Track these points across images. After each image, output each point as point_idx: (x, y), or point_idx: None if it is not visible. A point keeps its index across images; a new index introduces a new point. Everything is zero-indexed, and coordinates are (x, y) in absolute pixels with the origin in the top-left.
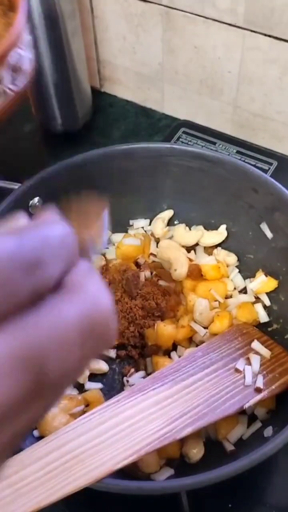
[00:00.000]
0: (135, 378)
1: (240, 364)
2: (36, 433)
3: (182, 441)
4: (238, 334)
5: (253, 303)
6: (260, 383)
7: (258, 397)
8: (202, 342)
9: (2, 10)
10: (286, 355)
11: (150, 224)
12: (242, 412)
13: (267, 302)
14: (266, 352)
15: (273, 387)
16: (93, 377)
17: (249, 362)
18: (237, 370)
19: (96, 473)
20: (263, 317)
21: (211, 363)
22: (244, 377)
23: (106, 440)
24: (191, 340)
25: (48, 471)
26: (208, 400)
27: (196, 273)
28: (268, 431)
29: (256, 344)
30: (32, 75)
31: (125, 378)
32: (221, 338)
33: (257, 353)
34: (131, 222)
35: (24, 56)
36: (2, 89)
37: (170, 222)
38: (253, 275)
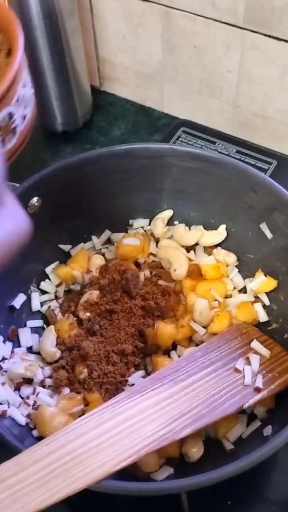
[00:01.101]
0: (135, 377)
1: (240, 364)
2: (35, 433)
3: (182, 440)
4: (237, 333)
5: (253, 302)
6: (259, 382)
7: (258, 396)
8: (201, 341)
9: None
10: (285, 354)
11: (149, 224)
12: (241, 411)
13: (267, 301)
14: (265, 352)
15: (273, 386)
16: None
17: (248, 362)
18: (236, 370)
19: (95, 474)
20: (263, 316)
21: (210, 363)
22: (243, 376)
23: (105, 441)
24: (190, 340)
25: (48, 472)
26: (208, 400)
27: (195, 273)
28: (268, 430)
29: (255, 344)
30: (28, 133)
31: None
32: (221, 338)
33: (256, 352)
34: (130, 222)
35: (15, 113)
36: None
37: (169, 222)
38: (252, 275)
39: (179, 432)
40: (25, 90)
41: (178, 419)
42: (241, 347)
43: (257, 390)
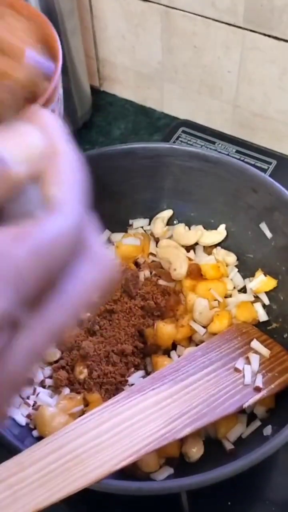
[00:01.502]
0: (135, 377)
1: (240, 364)
2: (35, 433)
3: (182, 440)
4: (237, 333)
5: (253, 302)
6: (259, 382)
7: (258, 396)
8: (201, 341)
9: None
10: (285, 354)
11: (149, 224)
12: (241, 411)
13: (267, 301)
14: (265, 351)
15: (273, 386)
16: None
17: (248, 361)
18: (236, 370)
19: (95, 474)
20: (263, 316)
21: (210, 362)
22: (243, 376)
23: (105, 441)
24: (190, 340)
25: (48, 472)
26: (208, 400)
27: (195, 273)
28: (268, 430)
29: (255, 343)
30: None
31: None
32: (221, 337)
33: (256, 352)
34: (130, 221)
35: (56, 111)
36: None
37: (169, 222)
38: (252, 275)
39: (179, 432)
40: (61, 90)
41: (178, 418)
42: (241, 347)
43: (257, 389)
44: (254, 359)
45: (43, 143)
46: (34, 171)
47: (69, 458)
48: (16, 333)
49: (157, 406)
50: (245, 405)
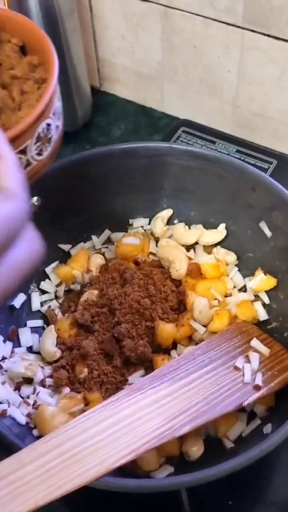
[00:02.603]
0: (135, 377)
1: (239, 362)
2: (35, 432)
3: (182, 439)
4: (237, 332)
5: (253, 301)
6: (259, 380)
7: (257, 394)
8: (201, 340)
9: (36, 82)
10: (285, 352)
11: (149, 223)
12: (241, 409)
13: (266, 300)
14: (265, 350)
15: (272, 384)
16: None
17: (248, 360)
18: (236, 368)
19: (94, 472)
20: (263, 315)
21: (210, 361)
22: (243, 374)
23: (104, 438)
24: (190, 339)
25: (47, 469)
26: (207, 398)
27: (195, 272)
28: (268, 428)
29: (255, 342)
30: (59, 144)
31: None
32: (221, 336)
33: (256, 351)
34: (130, 221)
35: (52, 124)
36: (26, 159)
37: (169, 221)
38: (252, 274)
39: (179, 430)
40: (58, 103)
41: (177, 416)
42: (241, 346)
43: (257, 388)
44: (254, 357)
45: None
46: None
47: (68, 455)
48: None
49: (156, 404)
50: (245, 403)
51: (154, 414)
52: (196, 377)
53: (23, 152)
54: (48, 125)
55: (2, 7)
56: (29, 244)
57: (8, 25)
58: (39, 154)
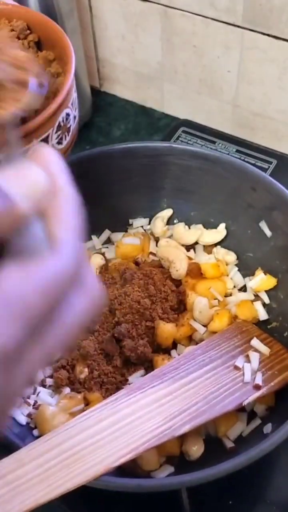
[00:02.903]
0: (135, 377)
1: (239, 362)
2: (36, 432)
3: (182, 439)
4: (237, 331)
5: (253, 301)
6: (259, 380)
7: (257, 394)
8: (201, 340)
9: (52, 76)
10: (285, 352)
11: (149, 223)
12: (241, 409)
13: (266, 300)
14: (265, 350)
15: (272, 384)
16: None
17: (248, 360)
18: (236, 368)
19: (95, 470)
20: (263, 314)
21: (210, 360)
22: (243, 374)
23: (104, 437)
24: (191, 339)
25: (47, 468)
26: (207, 397)
27: (195, 272)
28: (268, 428)
29: (255, 342)
30: (76, 133)
31: None
32: (221, 336)
33: (256, 350)
34: (130, 221)
35: (70, 114)
36: None
37: (169, 221)
38: (252, 273)
39: (179, 429)
40: (75, 94)
41: (177, 415)
42: (240, 345)
43: (257, 387)
44: (254, 357)
45: (46, 181)
46: (37, 208)
47: (68, 454)
48: (19, 356)
49: (156, 404)
50: (245, 403)
51: (154, 413)
52: (196, 377)
53: (45, 140)
54: (68, 114)
55: (14, 3)
56: (87, 294)
57: (26, 21)
58: (59, 143)
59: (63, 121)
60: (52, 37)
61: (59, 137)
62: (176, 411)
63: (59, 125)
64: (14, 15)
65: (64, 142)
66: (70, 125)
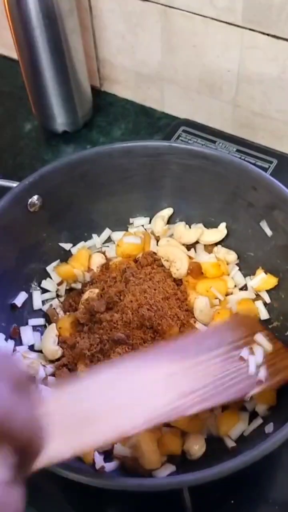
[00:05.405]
0: None
1: (244, 353)
2: None
3: (184, 438)
4: (242, 323)
5: (254, 300)
6: (262, 375)
7: (261, 387)
8: None
9: None
10: (286, 351)
11: (150, 222)
12: (243, 408)
13: (267, 299)
14: (268, 346)
15: (274, 381)
16: None
17: (252, 352)
18: (241, 358)
19: (109, 434)
20: (264, 314)
21: (217, 346)
22: (248, 366)
23: (120, 404)
24: None
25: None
26: (215, 383)
27: (196, 271)
28: (269, 428)
29: (259, 337)
30: None
31: None
32: (226, 324)
33: (259, 345)
34: (131, 220)
35: None
36: None
37: (170, 220)
38: (253, 273)
39: (190, 408)
40: None
41: (188, 395)
42: (245, 337)
43: (260, 382)
44: (258, 350)
45: None
46: None
47: (85, 414)
48: None
49: (169, 378)
50: (249, 395)
51: (167, 388)
52: (204, 360)
53: None
54: None
55: None
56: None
57: None
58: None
59: None
60: None
61: None
62: (188, 390)
63: None
64: None
65: None
66: None
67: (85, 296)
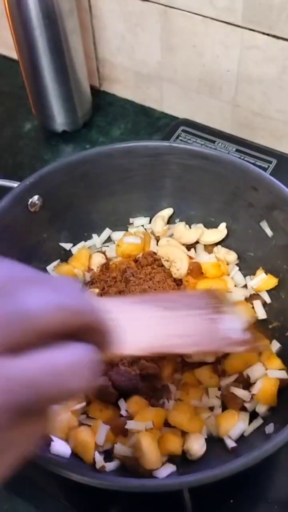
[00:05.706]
0: None
1: (220, 319)
2: None
3: (184, 438)
4: (213, 296)
5: (252, 299)
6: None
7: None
8: None
9: None
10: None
11: (150, 222)
12: (243, 409)
13: (268, 299)
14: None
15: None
16: None
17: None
18: (214, 321)
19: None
20: (261, 314)
21: (197, 307)
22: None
23: (137, 325)
24: None
25: None
26: (205, 332)
27: (196, 271)
28: (270, 428)
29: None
30: None
31: None
32: (201, 292)
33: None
34: (131, 220)
35: None
36: None
37: (170, 220)
38: (253, 273)
39: (189, 347)
40: None
41: (183, 336)
42: (220, 307)
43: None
44: (234, 319)
45: None
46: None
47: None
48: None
49: (164, 319)
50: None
51: (165, 323)
52: (188, 314)
53: None
54: None
55: None
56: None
57: None
58: None
59: None
60: None
61: None
62: (181, 332)
63: None
64: None
65: None
66: None
67: None
